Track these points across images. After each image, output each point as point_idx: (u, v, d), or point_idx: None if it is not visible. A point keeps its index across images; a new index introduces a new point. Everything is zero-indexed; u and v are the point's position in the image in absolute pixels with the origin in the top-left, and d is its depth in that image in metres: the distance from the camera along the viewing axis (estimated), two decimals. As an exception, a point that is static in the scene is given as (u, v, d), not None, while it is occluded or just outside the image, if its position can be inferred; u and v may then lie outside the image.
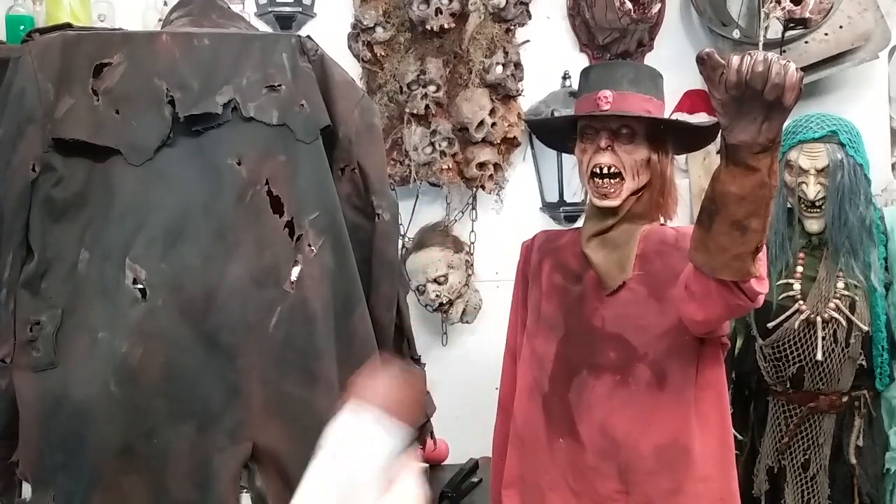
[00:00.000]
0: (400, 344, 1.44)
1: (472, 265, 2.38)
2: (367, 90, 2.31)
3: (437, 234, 2.32)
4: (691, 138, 1.52)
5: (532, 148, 2.45)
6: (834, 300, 1.81)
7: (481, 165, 2.31)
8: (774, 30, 2.22)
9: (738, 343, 1.95)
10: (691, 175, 2.45)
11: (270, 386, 1.22)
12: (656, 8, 2.29)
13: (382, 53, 2.32)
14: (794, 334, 1.83)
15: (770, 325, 1.84)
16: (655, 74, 1.50)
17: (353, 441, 0.92)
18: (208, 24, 1.37)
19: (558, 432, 1.46)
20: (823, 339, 1.80)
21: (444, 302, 2.27)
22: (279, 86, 1.27)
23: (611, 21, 2.31)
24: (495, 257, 2.38)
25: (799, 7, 2.17)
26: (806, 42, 2.25)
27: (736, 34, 2.30)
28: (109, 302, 1.20)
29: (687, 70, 2.25)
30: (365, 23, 2.29)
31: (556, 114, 2.22)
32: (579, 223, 1.60)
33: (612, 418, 1.41)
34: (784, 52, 2.21)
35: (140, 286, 1.20)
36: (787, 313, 1.83)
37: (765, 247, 1.17)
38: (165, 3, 2.15)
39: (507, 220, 2.44)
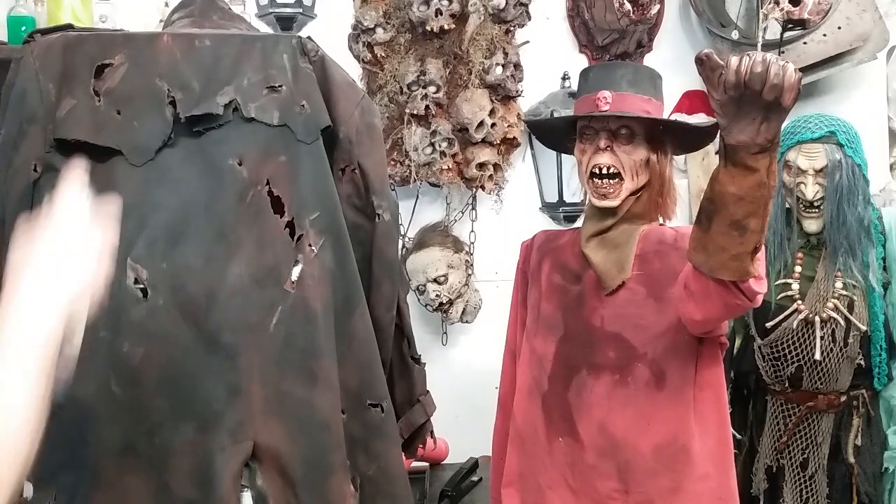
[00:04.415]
0: (400, 344, 1.44)
1: (471, 265, 2.39)
2: (368, 91, 2.31)
3: (437, 234, 2.33)
4: (690, 139, 1.53)
5: (532, 148, 2.46)
6: (832, 300, 1.81)
7: (481, 166, 2.32)
8: (773, 31, 2.23)
9: (737, 343, 1.96)
10: (690, 175, 2.46)
11: (271, 385, 1.22)
12: (655, 9, 2.30)
13: (383, 54, 2.33)
14: (792, 334, 1.83)
15: (769, 324, 1.85)
16: (654, 75, 1.51)
17: None
18: (209, 25, 1.37)
19: (558, 431, 1.46)
20: (822, 338, 1.81)
21: (444, 302, 2.27)
22: (280, 86, 1.28)
23: (610, 22, 2.32)
24: (495, 257, 2.39)
25: (797, 8, 2.17)
26: (804, 43, 2.26)
27: (735, 35, 2.31)
28: (111, 302, 1.20)
29: (686, 71, 2.27)
30: (365, 24, 2.30)
31: (556, 114, 2.22)
32: (579, 223, 1.61)
33: (612, 417, 1.41)
34: (783, 52, 2.22)
35: (141, 286, 1.20)
36: (786, 313, 1.84)
37: (763, 247, 1.17)
38: (167, 4, 2.15)
39: (506, 220, 2.44)
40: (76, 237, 0.85)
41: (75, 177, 0.89)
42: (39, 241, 0.83)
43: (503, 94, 2.34)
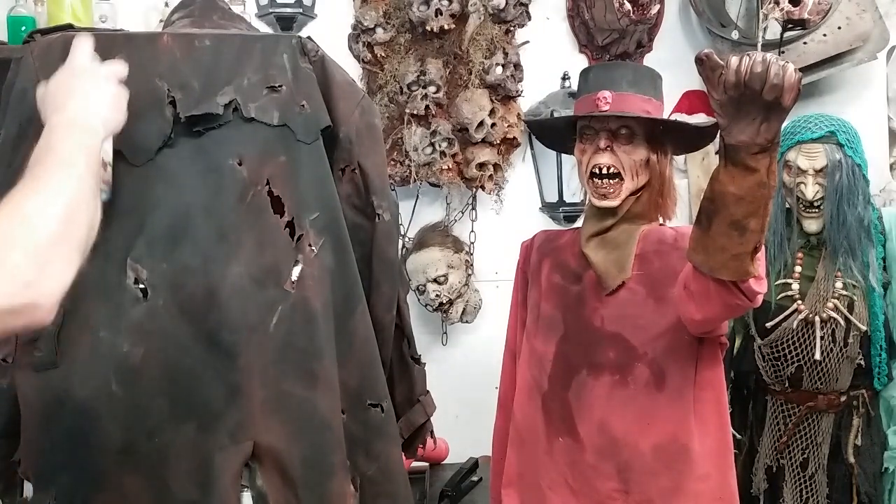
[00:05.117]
0: (400, 344, 1.44)
1: (471, 265, 2.39)
2: (368, 91, 2.31)
3: (437, 234, 2.33)
4: (690, 139, 1.52)
5: (532, 148, 2.46)
6: (832, 300, 1.81)
7: (481, 166, 2.32)
8: (773, 31, 2.23)
9: (737, 343, 1.96)
10: (690, 175, 2.46)
11: (271, 385, 1.22)
12: (655, 9, 2.30)
13: (383, 54, 2.33)
14: (792, 334, 1.83)
15: (769, 324, 1.85)
16: (654, 75, 1.51)
17: None
18: (209, 25, 1.37)
19: (558, 432, 1.46)
20: (822, 338, 1.81)
21: (444, 302, 2.27)
22: (280, 86, 1.27)
23: (610, 22, 2.32)
24: (495, 257, 2.39)
25: (797, 8, 2.17)
26: (804, 43, 2.26)
27: (735, 35, 2.31)
28: (111, 302, 1.20)
29: (686, 71, 2.27)
30: (365, 24, 2.30)
31: (556, 114, 2.22)
32: (579, 223, 1.61)
33: (612, 418, 1.41)
34: (783, 52, 2.22)
35: (141, 286, 1.20)
36: (786, 313, 1.84)
37: (763, 247, 1.17)
38: (167, 4, 2.16)
39: (506, 220, 2.44)
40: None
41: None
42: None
43: (503, 94, 2.34)
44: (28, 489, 1.24)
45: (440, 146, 2.27)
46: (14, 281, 0.77)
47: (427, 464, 2.23)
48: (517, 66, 2.36)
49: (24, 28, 2.09)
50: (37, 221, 0.81)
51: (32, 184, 0.85)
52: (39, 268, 0.79)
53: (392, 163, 2.30)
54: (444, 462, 2.32)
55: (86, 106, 1.00)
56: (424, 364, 1.50)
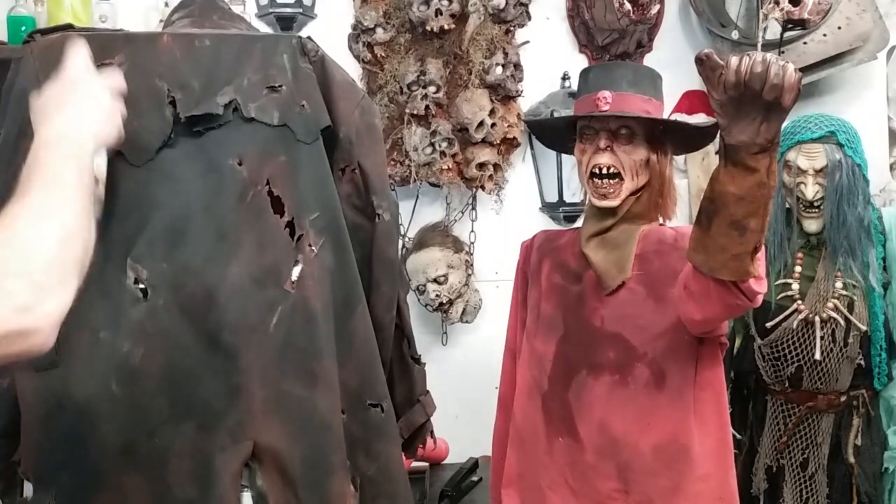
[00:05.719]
0: (400, 344, 1.44)
1: (471, 265, 2.39)
2: (368, 91, 2.31)
3: (437, 234, 2.33)
4: (690, 139, 1.53)
5: (532, 148, 2.46)
6: (832, 300, 1.81)
7: (481, 166, 2.32)
8: (773, 31, 2.23)
9: (737, 343, 1.96)
10: (690, 175, 2.46)
11: (271, 385, 1.22)
12: (655, 9, 2.30)
13: (383, 54, 2.33)
14: (792, 334, 1.83)
15: (769, 324, 1.85)
16: (654, 75, 1.51)
17: None
18: (209, 25, 1.37)
19: (558, 431, 1.46)
20: (822, 338, 1.81)
21: (444, 302, 2.27)
22: (280, 86, 1.27)
23: (610, 22, 2.32)
24: (495, 257, 2.39)
25: (797, 8, 2.17)
26: (804, 43, 2.26)
27: (735, 35, 2.31)
28: (111, 302, 1.20)
29: (686, 71, 2.27)
30: (365, 24, 2.30)
31: (556, 114, 2.22)
32: (579, 223, 1.61)
33: (612, 418, 1.41)
34: (783, 52, 2.22)
35: (141, 286, 1.20)
36: (786, 313, 1.84)
37: (763, 247, 1.17)
38: (167, 4, 2.16)
39: (506, 220, 2.44)
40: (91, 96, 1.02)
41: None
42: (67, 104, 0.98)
43: (503, 94, 2.34)
44: (28, 489, 1.24)
45: (440, 146, 2.27)
46: (10, 307, 0.75)
47: (427, 464, 2.23)
48: (517, 66, 2.36)
49: (24, 28, 2.09)
50: (31, 245, 0.79)
51: (24, 204, 0.82)
52: (36, 293, 0.77)
53: (392, 163, 2.30)
54: (444, 462, 2.32)
55: (77, 119, 0.97)
56: (424, 364, 1.50)
